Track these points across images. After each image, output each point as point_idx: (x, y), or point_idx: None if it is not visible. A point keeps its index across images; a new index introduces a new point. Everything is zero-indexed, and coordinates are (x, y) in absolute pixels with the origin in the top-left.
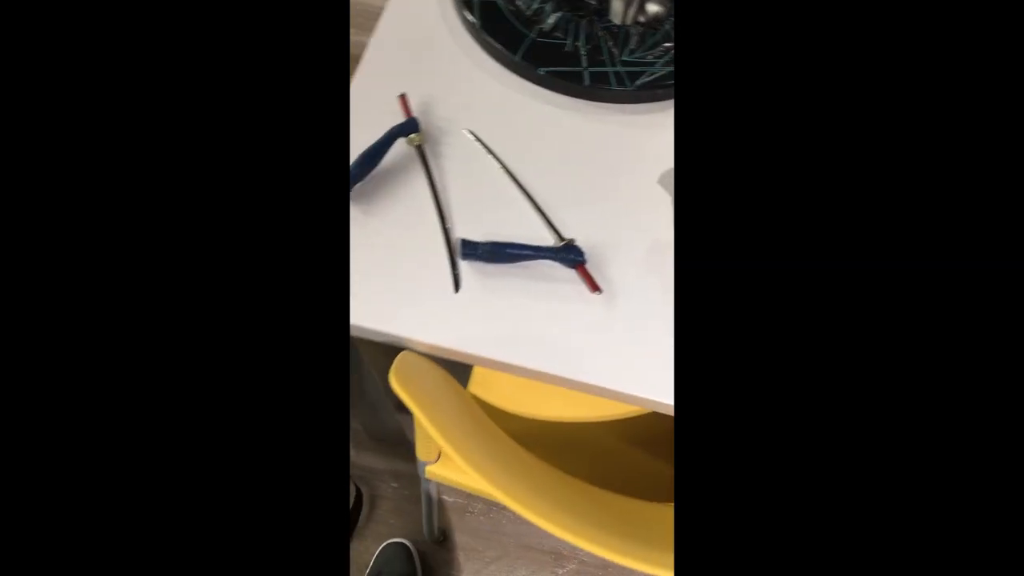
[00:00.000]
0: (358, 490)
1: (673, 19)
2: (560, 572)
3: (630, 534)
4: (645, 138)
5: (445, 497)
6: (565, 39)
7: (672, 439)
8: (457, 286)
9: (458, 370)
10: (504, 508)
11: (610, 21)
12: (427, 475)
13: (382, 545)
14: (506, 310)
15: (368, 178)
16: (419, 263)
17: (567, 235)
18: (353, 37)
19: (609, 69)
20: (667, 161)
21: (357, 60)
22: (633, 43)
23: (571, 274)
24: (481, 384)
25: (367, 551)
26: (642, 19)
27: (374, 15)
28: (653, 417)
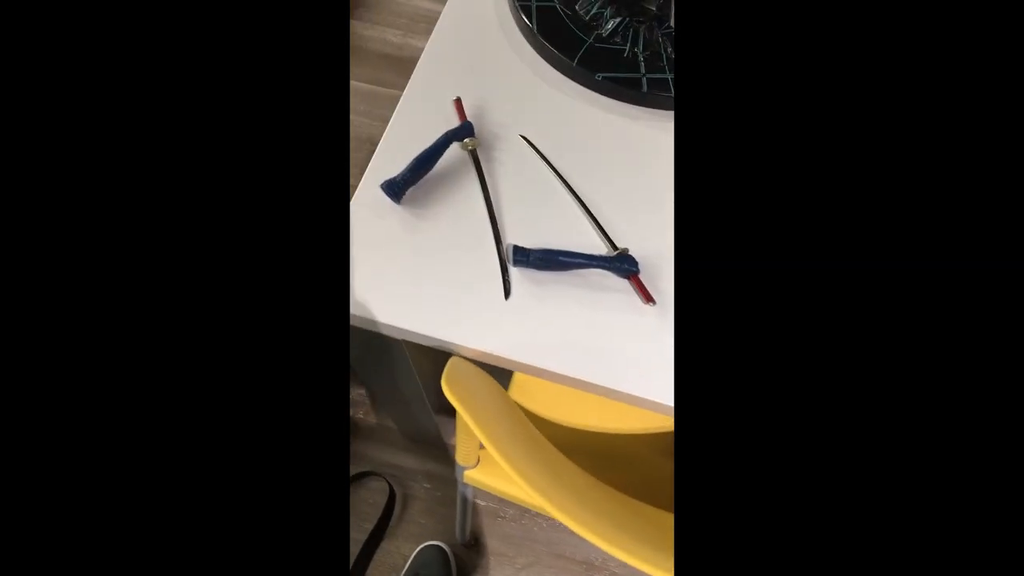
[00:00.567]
0: (391, 489)
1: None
2: None
3: (668, 548)
4: None
5: (478, 501)
6: (624, 45)
7: None
8: (507, 293)
9: (498, 375)
10: (536, 515)
11: (670, 27)
12: (465, 479)
13: (420, 547)
14: (556, 318)
15: (421, 182)
16: (470, 268)
17: (621, 244)
18: (410, 41)
19: (668, 76)
20: None
21: (413, 63)
22: None
23: (623, 284)
24: (521, 389)
25: (397, 551)
26: None
27: (431, 19)
28: None
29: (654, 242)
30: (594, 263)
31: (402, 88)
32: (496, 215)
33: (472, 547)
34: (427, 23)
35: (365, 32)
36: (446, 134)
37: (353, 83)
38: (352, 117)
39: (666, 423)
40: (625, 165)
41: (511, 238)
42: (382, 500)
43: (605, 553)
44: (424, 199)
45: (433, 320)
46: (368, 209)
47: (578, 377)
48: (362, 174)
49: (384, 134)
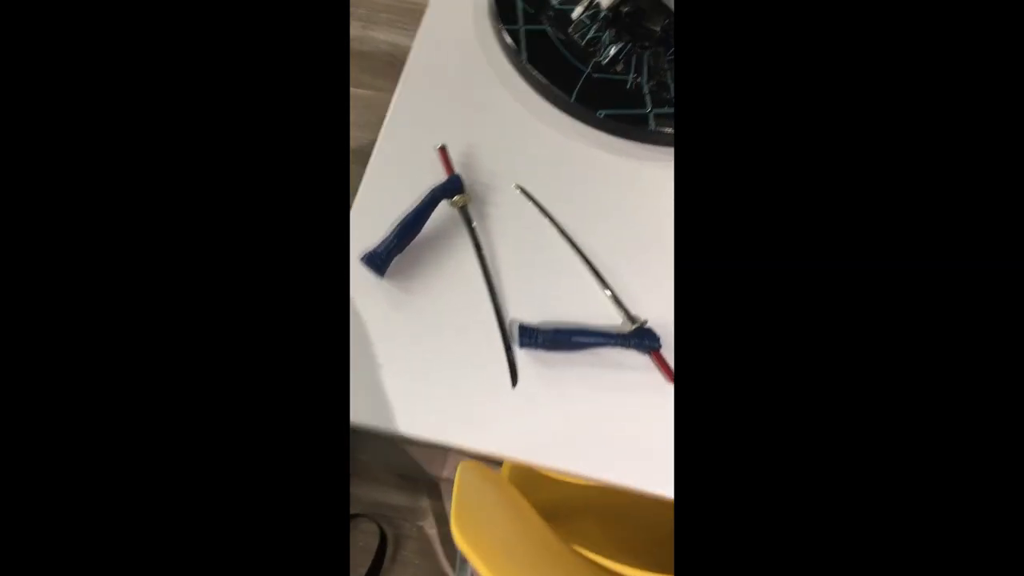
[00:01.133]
0: (382, 531)
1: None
2: None
3: None
4: None
5: None
6: (626, 75)
7: None
8: (515, 380)
9: None
10: None
11: None
12: None
13: None
14: (571, 405)
15: (407, 249)
16: (469, 351)
17: (636, 310)
18: (370, 34)
19: None
20: None
21: (376, 59)
22: None
23: (643, 359)
24: None
25: None
26: None
27: (395, 9)
28: None
29: (673, 305)
30: (611, 342)
31: (365, 86)
32: (495, 284)
33: None
34: (390, 13)
35: None
36: (432, 192)
37: None
38: None
39: None
40: (635, 214)
41: (513, 310)
42: (374, 543)
43: None
44: (411, 269)
45: (429, 419)
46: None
47: (602, 478)
48: None
49: (357, 194)
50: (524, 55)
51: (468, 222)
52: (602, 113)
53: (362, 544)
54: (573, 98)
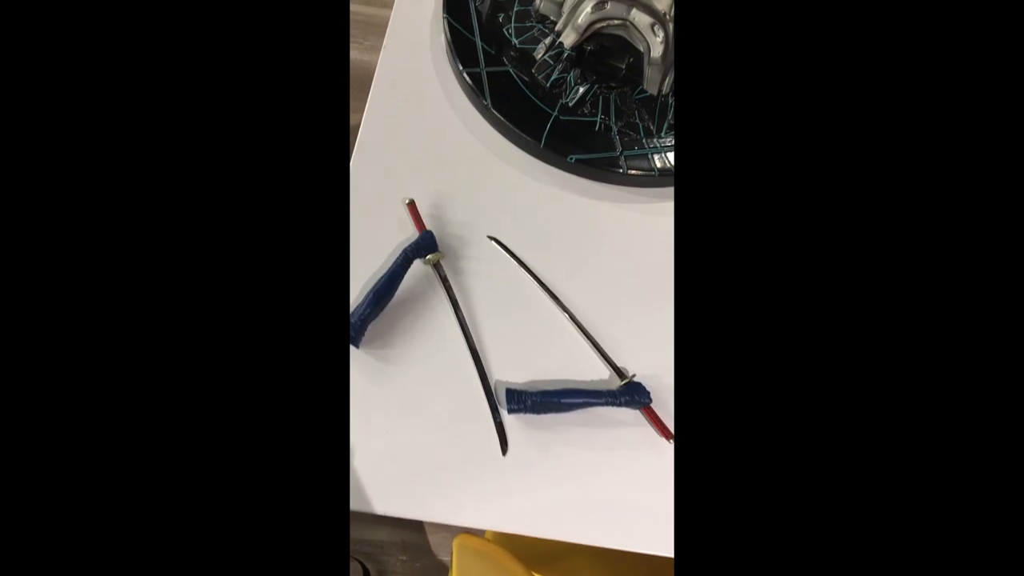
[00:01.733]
0: (364, 568)
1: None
2: None
3: None
4: None
5: None
6: (594, 116)
7: None
8: (504, 448)
9: None
10: None
11: (644, 91)
12: None
13: None
14: (564, 469)
15: (381, 315)
16: (454, 419)
17: (622, 362)
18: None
19: (648, 151)
20: None
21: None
22: (673, 115)
23: (635, 415)
24: None
25: None
26: None
27: (359, 72)
28: None
29: (661, 355)
30: (600, 400)
31: None
32: (477, 346)
33: None
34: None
35: None
36: (404, 252)
37: None
38: None
39: None
40: (614, 259)
41: (497, 371)
42: None
43: None
44: (387, 336)
45: (414, 495)
46: None
47: (604, 544)
48: None
49: None
50: (488, 99)
51: (444, 281)
52: (572, 158)
53: None
54: (543, 144)
